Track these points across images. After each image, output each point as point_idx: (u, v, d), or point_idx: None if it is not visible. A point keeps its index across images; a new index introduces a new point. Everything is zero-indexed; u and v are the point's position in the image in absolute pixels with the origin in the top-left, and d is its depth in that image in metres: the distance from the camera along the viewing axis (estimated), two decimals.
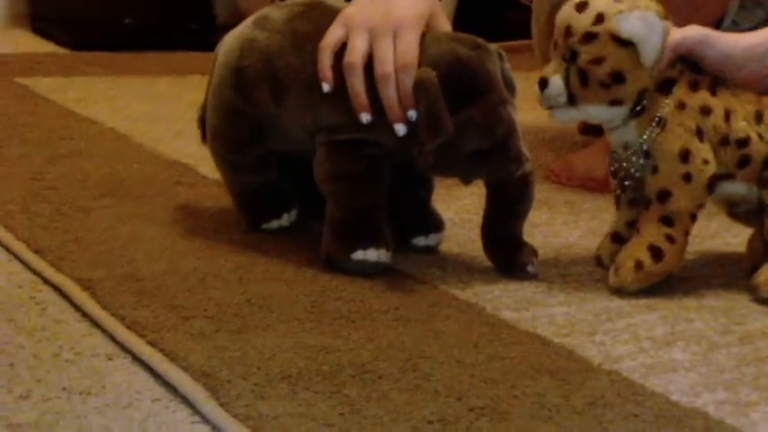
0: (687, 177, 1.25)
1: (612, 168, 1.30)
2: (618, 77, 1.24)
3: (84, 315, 1.16)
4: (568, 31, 1.25)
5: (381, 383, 1.00)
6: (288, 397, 0.97)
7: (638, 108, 1.26)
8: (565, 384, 1.02)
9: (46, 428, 0.91)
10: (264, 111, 1.35)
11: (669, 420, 0.96)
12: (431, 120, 1.23)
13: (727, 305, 1.25)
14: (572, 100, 1.25)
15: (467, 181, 1.31)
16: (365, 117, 1.27)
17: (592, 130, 2.05)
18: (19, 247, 1.33)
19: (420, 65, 1.26)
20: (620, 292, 1.27)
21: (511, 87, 1.29)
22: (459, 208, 1.58)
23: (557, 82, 1.25)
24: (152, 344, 1.07)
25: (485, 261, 1.34)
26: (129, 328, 1.10)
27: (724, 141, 1.27)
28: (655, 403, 0.99)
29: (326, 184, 1.32)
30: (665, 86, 1.26)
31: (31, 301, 1.20)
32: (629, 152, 1.27)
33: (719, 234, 1.51)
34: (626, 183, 1.28)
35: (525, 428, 0.93)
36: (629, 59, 1.24)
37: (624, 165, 1.28)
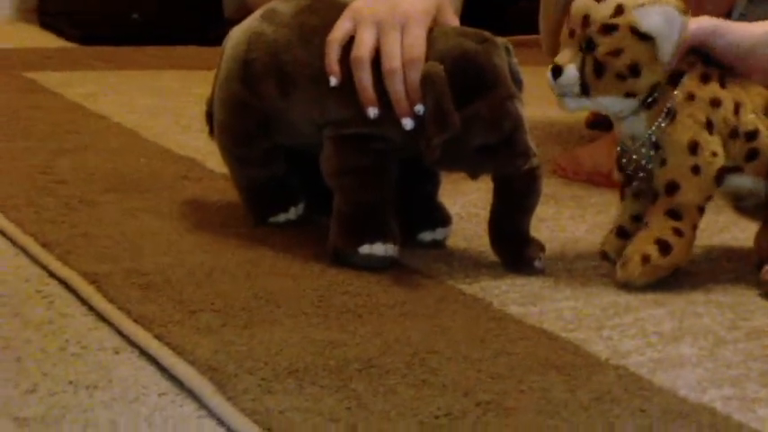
0: (696, 169, 1.25)
1: (623, 160, 1.29)
2: (634, 70, 1.23)
3: (91, 309, 1.16)
4: (586, 20, 1.24)
5: (388, 378, 1.00)
6: (295, 391, 0.96)
7: (650, 100, 1.25)
8: (571, 379, 1.02)
9: (52, 422, 0.91)
10: (271, 104, 1.35)
11: (676, 416, 0.95)
12: (438, 114, 1.22)
13: (735, 300, 1.25)
14: (585, 90, 1.25)
15: (474, 176, 1.31)
16: (372, 111, 1.27)
17: (599, 125, 2.05)
18: (26, 241, 1.34)
19: (427, 59, 1.26)
20: (627, 286, 1.26)
21: (518, 82, 1.29)
22: (466, 203, 1.58)
23: (572, 71, 1.24)
24: (159, 338, 1.07)
25: (492, 256, 1.33)
26: (135, 321, 1.10)
27: (733, 134, 1.27)
28: (662, 399, 0.99)
29: (334, 179, 1.32)
30: (674, 78, 1.26)
31: (38, 294, 1.20)
32: (637, 144, 1.27)
33: (727, 229, 1.50)
34: (639, 174, 1.28)
35: (532, 423, 0.93)
36: (647, 53, 1.23)
37: (634, 157, 1.28)
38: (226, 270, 1.26)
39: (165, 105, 2.20)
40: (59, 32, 3.22)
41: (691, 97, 1.26)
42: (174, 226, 1.41)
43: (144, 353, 1.05)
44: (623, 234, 1.32)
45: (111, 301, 1.15)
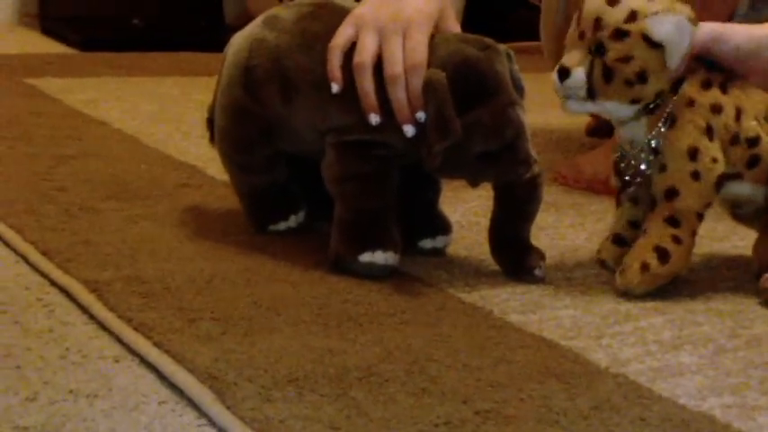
0: (695, 175, 1.25)
1: (621, 165, 1.29)
2: (642, 77, 1.23)
3: (92, 317, 1.16)
4: (598, 23, 1.24)
5: (388, 386, 1.00)
6: (294, 400, 0.97)
7: (652, 106, 1.25)
8: (571, 388, 1.02)
9: (52, 431, 0.91)
10: (273, 111, 1.35)
11: (676, 424, 0.96)
12: (440, 121, 1.22)
13: (735, 309, 1.25)
14: (591, 94, 1.24)
15: (474, 183, 1.31)
16: (374, 118, 1.27)
17: (599, 133, 2.05)
18: (26, 249, 1.34)
19: (429, 66, 1.26)
20: (626, 294, 1.26)
21: (519, 89, 1.28)
22: (467, 210, 1.58)
23: (579, 74, 1.24)
24: (159, 346, 1.07)
25: (492, 264, 1.33)
26: (135, 330, 1.10)
27: (734, 140, 1.27)
28: (662, 407, 0.99)
29: (335, 186, 1.32)
30: (675, 84, 1.26)
31: (39, 303, 1.20)
32: (637, 149, 1.27)
33: (727, 237, 1.50)
34: (637, 180, 1.28)
35: None
36: (656, 61, 1.23)
37: (633, 162, 1.28)
38: (226, 277, 1.26)
39: (165, 112, 2.21)
40: (60, 38, 3.22)
41: (691, 103, 1.26)
42: (174, 233, 1.41)
43: (144, 361, 1.05)
44: (620, 241, 1.33)
45: (112, 309, 1.15)
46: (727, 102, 1.27)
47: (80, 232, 1.39)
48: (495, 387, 1.01)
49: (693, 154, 1.25)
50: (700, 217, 1.27)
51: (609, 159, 1.66)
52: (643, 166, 1.27)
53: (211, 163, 1.67)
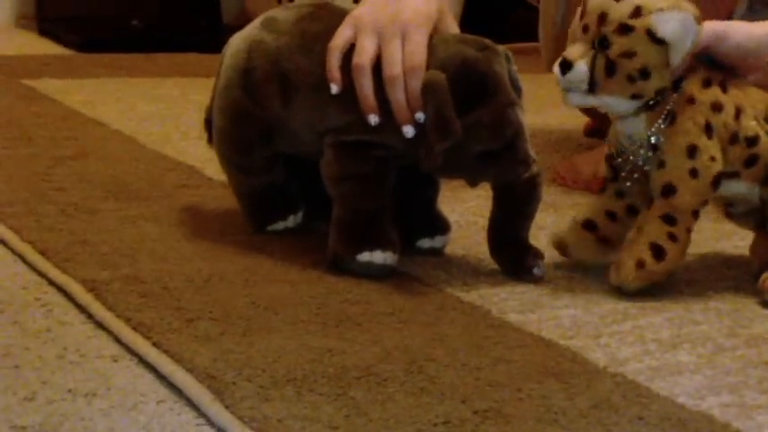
0: (693, 173, 1.25)
1: (618, 160, 1.29)
2: (644, 73, 1.23)
3: (90, 317, 1.16)
4: (602, 17, 1.23)
5: (387, 386, 1.00)
6: (293, 399, 0.96)
7: (652, 103, 1.25)
8: (570, 387, 1.02)
9: (51, 430, 0.91)
10: (273, 113, 1.35)
11: (674, 423, 0.95)
12: (440, 122, 1.23)
13: (734, 308, 1.25)
14: (593, 88, 1.24)
15: (473, 183, 1.31)
16: (373, 119, 1.27)
17: (597, 133, 2.05)
18: (24, 249, 1.34)
19: (428, 67, 1.26)
20: (621, 291, 1.26)
21: (518, 89, 1.28)
22: (465, 210, 1.58)
23: (582, 68, 1.24)
24: (157, 346, 1.07)
25: (490, 263, 1.33)
26: (134, 329, 1.10)
27: (733, 139, 1.27)
28: (660, 406, 0.99)
29: (334, 186, 1.32)
30: (676, 81, 1.26)
31: (37, 302, 1.20)
32: (635, 145, 1.27)
33: (726, 237, 1.50)
34: (634, 175, 1.28)
35: (530, 431, 0.93)
36: (659, 57, 1.23)
37: (631, 158, 1.28)
38: (224, 277, 1.26)
39: (164, 112, 2.21)
40: (58, 39, 3.22)
41: (691, 101, 1.26)
42: (172, 233, 1.41)
43: (142, 360, 1.05)
44: (591, 227, 1.32)
45: (110, 308, 1.15)
46: (727, 100, 1.27)
47: (78, 232, 1.39)
48: (493, 386, 1.01)
49: (692, 151, 1.25)
50: (695, 214, 1.27)
51: None
52: (640, 162, 1.27)
53: (210, 163, 1.67)
